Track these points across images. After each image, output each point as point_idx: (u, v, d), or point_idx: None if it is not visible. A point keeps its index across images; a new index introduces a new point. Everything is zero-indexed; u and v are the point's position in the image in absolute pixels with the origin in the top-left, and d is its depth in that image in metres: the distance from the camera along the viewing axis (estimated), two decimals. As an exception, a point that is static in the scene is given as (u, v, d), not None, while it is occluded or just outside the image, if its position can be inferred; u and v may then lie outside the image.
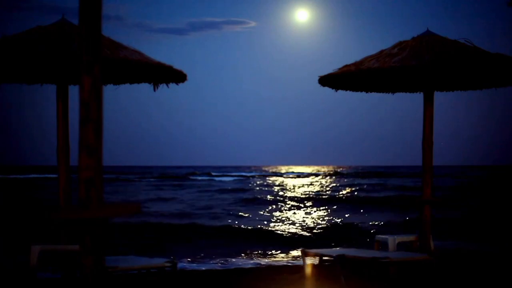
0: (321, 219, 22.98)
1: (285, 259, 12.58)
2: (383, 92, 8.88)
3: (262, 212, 25.82)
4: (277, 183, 57.87)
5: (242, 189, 44.44)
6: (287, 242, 16.23)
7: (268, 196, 36.17)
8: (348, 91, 8.62)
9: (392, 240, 7.93)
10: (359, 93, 8.79)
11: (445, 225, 18.15)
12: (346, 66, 7.66)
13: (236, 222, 21.42)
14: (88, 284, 3.42)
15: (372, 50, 7.80)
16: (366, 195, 37.74)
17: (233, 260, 12.35)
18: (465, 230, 18.41)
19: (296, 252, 13.53)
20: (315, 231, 18.98)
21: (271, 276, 8.67)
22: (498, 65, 7.17)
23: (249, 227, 19.40)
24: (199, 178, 69.63)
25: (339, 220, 22.39)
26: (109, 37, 6.85)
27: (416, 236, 8.12)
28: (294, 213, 25.79)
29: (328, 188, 47.09)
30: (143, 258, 6.93)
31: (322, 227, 20.07)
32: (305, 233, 18.51)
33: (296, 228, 19.74)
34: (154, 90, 7.51)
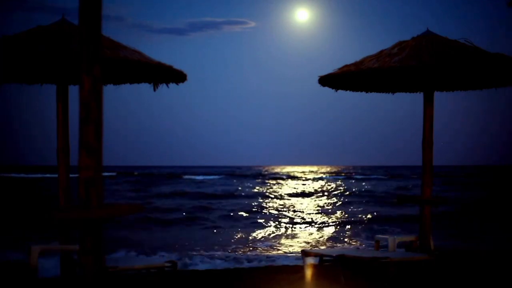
0: (321, 219, 22.96)
1: (285, 259, 12.57)
2: (383, 92, 8.86)
3: (261, 212, 25.81)
4: (277, 183, 57.84)
5: (241, 189, 44.41)
6: (287, 242, 16.22)
7: (268, 196, 36.15)
8: (348, 91, 8.61)
9: (392, 240, 7.93)
10: (359, 93, 8.78)
11: (445, 225, 18.16)
12: (346, 66, 7.65)
13: (236, 222, 21.40)
14: (88, 284, 3.42)
15: (372, 50, 7.79)
16: (366, 195, 37.72)
17: (233, 260, 12.34)
18: (464, 229, 18.41)
19: (296, 251, 13.52)
20: (315, 231, 18.97)
21: (271, 276, 8.66)
22: (498, 65, 7.16)
23: (249, 227, 19.38)
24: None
25: (339, 220, 22.37)
26: (109, 37, 6.84)
27: (416, 236, 8.11)
28: (294, 213, 25.77)
29: (327, 188, 47.07)
30: (143, 258, 6.92)
31: (322, 227, 20.06)
32: (305, 233, 18.50)
33: (296, 228, 19.72)
34: (154, 90, 7.49)
